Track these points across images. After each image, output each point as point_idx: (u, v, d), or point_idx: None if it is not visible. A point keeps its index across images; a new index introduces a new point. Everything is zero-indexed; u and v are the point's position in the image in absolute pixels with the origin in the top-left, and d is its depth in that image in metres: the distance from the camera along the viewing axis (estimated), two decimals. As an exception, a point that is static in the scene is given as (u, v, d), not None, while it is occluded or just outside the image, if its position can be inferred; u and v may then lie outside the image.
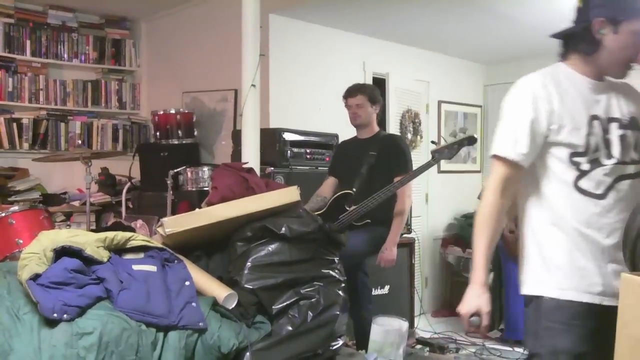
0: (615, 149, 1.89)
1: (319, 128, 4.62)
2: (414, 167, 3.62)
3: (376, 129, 3.80)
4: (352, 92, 3.74)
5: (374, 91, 3.79)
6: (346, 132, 4.13)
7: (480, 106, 6.67)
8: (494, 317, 4.96)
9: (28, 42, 5.14)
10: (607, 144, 1.89)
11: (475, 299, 1.92)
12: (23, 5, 5.11)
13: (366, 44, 5.36)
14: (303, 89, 4.82)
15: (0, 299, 2.10)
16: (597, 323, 1.84)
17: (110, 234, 2.37)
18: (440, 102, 6.22)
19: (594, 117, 1.90)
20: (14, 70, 5.07)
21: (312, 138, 4.52)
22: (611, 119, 1.92)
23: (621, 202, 1.88)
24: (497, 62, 6.48)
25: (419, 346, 4.45)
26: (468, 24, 4.97)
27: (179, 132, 4.61)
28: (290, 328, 2.44)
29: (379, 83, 5.34)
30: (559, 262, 1.90)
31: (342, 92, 3.87)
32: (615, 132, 1.90)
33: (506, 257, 4.43)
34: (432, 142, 3.81)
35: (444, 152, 3.37)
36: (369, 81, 5.27)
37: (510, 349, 4.38)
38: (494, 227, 1.94)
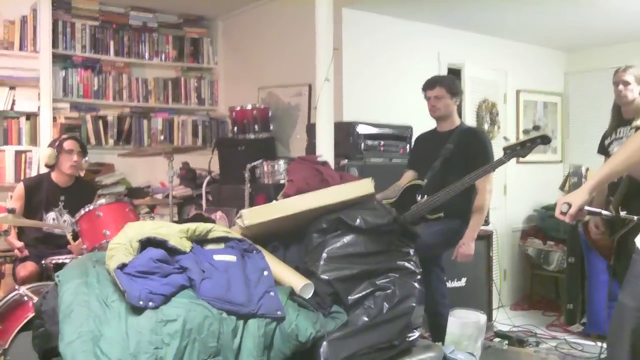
0: None
1: (393, 120, 4.60)
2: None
3: (457, 122, 3.73)
4: (431, 84, 3.69)
5: (454, 83, 3.72)
6: (421, 124, 4.09)
7: (561, 94, 6.44)
8: (576, 311, 4.81)
9: (112, 43, 5.37)
10: None
11: (574, 194, 2.15)
12: (107, 8, 5.35)
13: (440, 35, 5.28)
14: (377, 82, 4.80)
15: (91, 287, 2.22)
16: None
17: (192, 226, 2.46)
18: (518, 92, 6.05)
19: None
20: (98, 70, 5.32)
21: (386, 130, 4.51)
22: None
23: None
24: (579, 48, 6.23)
25: (497, 339, 4.37)
26: (547, 9, 4.80)
27: (256, 126, 4.71)
28: (366, 319, 2.45)
29: (454, 73, 5.25)
30: None
31: (416, 84, 3.83)
32: None
33: (589, 249, 4.27)
34: (505, 138, 3.72)
35: (516, 150, 3.28)
36: (444, 72, 5.20)
37: (592, 343, 4.22)
38: (632, 152, 2.09)
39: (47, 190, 3.92)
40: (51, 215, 3.89)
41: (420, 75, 3.92)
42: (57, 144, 3.91)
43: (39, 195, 3.89)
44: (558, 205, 2.17)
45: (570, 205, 2.13)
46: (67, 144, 3.88)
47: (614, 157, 2.12)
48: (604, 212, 2.26)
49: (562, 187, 5.24)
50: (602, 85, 4.71)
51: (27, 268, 3.55)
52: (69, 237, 3.59)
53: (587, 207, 2.14)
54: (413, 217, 3.46)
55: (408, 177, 3.82)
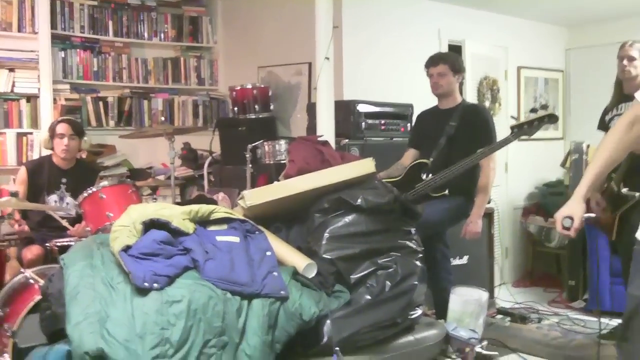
0: None
1: (394, 99, 4.59)
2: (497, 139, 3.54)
3: (459, 99, 3.72)
4: (434, 60, 3.66)
5: (457, 60, 3.70)
6: (421, 102, 4.08)
7: (562, 71, 6.41)
8: (577, 287, 4.84)
9: (110, 23, 5.33)
10: None
11: (570, 206, 2.07)
12: (105, -14, 5.30)
13: (441, 11, 5.25)
14: (377, 59, 4.78)
15: (96, 269, 2.25)
16: None
17: (194, 207, 2.48)
18: (519, 68, 6.02)
19: None
20: (98, 51, 5.29)
21: (387, 109, 4.50)
22: None
23: None
24: (580, 24, 6.19)
25: (499, 316, 4.41)
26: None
27: (256, 106, 4.70)
28: (368, 297, 2.49)
29: (455, 50, 5.22)
30: None
31: (416, 62, 3.82)
32: None
33: (591, 227, 4.29)
34: (512, 117, 3.72)
35: (523, 128, 3.28)
36: (444, 49, 5.17)
37: (594, 319, 4.26)
38: (609, 151, 2.05)
39: (49, 172, 3.92)
40: (53, 197, 3.90)
41: (421, 53, 3.90)
42: (51, 127, 3.91)
43: (40, 177, 3.90)
44: (558, 221, 2.08)
45: (572, 219, 2.05)
46: (59, 128, 3.86)
47: (597, 158, 2.06)
48: (592, 214, 2.22)
49: (563, 164, 5.25)
50: (603, 61, 4.68)
51: (32, 251, 3.57)
52: (65, 223, 3.60)
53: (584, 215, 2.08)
54: (418, 195, 3.47)
55: (410, 155, 3.82)
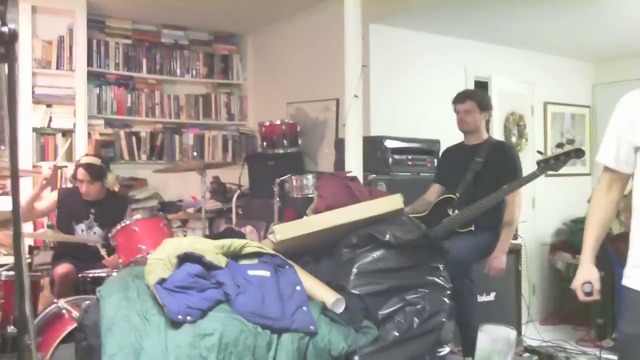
0: None
1: (421, 135, 4.64)
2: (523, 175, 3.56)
3: (485, 135, 3.76)
4: (460, 97, 3.72)
5: (484, 97, 3.75)
6: (448, 137, 4.12)
7: (589, 106, 6.41)
8: (606, 326, 4.76)
9: (144, 61, 5.51)
10: None
11: (584, 272, 2.18)
12: (139, 26, 5.49)
13: (467, 48, 5.32)
14: (404, 96, 4.85)
15: (131, 301, 2.30)
16: None
17: (227, 242, 2.53)
18: (546, 104, 6.03)
19: None
20: (132, 87, 5.46)
21: (414, 144, 4.54)
22: None
23: None
24: (607, 60, 6.21)
25: (526, 354, 4.35)
26: (574, 21, 4.81)
27: (284, 141, 4.79)
28: (396, 333, 2.49)
29: (482, 86, 5.28)
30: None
31: (442, 98, 3.87)
32: None
33: (618, 263, 4.24)
34: (539, 152, 3.72)
35: (550, 163, 3.30)
36: (471, 85, 5.22)
37: (624, 359, 4.18)
38: (599, 216, 2.19)
39: (79, 201, 4.02)
40: (80, 226, 3.99)
41: (447, 89, 3.96)
42: (74, 167, 4.03)
43: (70, 205, 4.00)
44: (579, 289, 2.18)
45: (591, 283, 2.16)
46: (78, 174, 3.97)
47: (590, 223, 2.20)
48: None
49: (590, 200, 5.19)
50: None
51: (64, 267, 3.66)
52: (103, 252, 3.68)
53: None
54: (445, 231, 3.49)
55: (435, 190, 3.85)
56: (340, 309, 2.48)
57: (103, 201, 4.08)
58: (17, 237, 1.86)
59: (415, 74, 4.96)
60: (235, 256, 2.56)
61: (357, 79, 3.83)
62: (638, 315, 2.00)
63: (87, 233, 3.99)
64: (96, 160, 4.02)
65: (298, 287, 2.46)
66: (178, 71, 5.68)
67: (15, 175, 1.85)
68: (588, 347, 4.61)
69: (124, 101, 5.39)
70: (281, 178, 4.23)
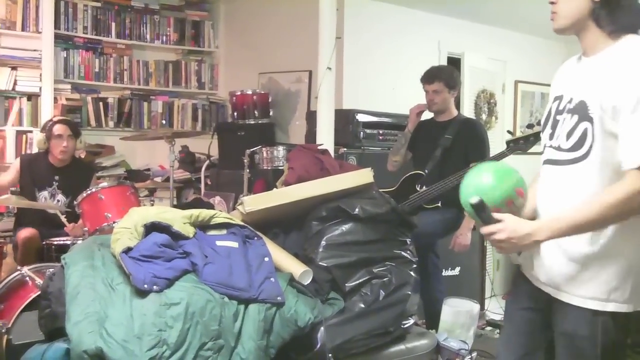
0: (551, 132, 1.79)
1: (393, 109, 4.64)
2: (491, 153, 3.60)
3: (454, 112, 3.78)
4: (429, 78, 3.71)
5: (452, 76, 3.74)
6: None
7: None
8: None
9: (113, 25, 5.37)
10: (553, 125, 1.78)
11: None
12: (109, -12, 5.35)
13: (441, 24, 5.31)
14: (377, 70, 4.84)
15: (96, 270, 2.28)
16: None
17: (195, 212, 2.51)
18: (517, 82, 6.09)
19: (556, 97, 1.82)
20: (100, 52, 5.33)
21: (385, 119, 4.55)
22: (558, 98, 1.80)
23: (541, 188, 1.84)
24: (578, 40, 6.26)
25: (489, 328, 4.45)
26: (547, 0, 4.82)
27: (255, 112, 4.75)
28: (362, 305, 2.53)
29: (454, 63, 5.29)
30: None
31: (416, 73, 3.87)
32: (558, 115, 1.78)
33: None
34: (509, 131, 3.76)
35: (519, 144, 3.34)
36: (444, 61, 5.23)
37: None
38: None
39: (42, 168, 3.93)
40: (44, 194, 3.91)
41: (421, 64, 3.95)
42: (47, 127, 3.91)
43: (33, 172, 3.91)
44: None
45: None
46: (57, 129, 3.86)
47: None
48: None
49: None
50: None
51: (28, 231, 3.60)
52: (63, 219, 3.61)
53: None
54: (412, 206, 3.52)
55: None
56: (307, 280, 2.49)
57: (68, 168, 3.99)
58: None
59: (389, 48, 4.94)
60: (203, 226, 2.55)
61: (331, 51, 3.80)
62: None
63: (50, 201, 3.91)
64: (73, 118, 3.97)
65: (266, 259, 2.47)
66: (148, 36, 5.55)
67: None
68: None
69: (92, 66, 5.26)
70: (251, 149, 4.21)
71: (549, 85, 2.04)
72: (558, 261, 1.71)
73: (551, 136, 1.78)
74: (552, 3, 1.73)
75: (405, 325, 2.61)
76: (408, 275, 2.68)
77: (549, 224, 1.63)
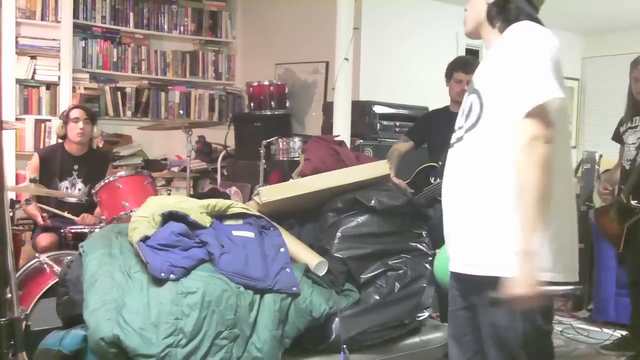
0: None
1: (409, 101, 4.62)
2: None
3: None
4: (468, 67, 3.46)
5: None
6: (436, 104, 4.10)
7: (578, 79, 6.41)
8: (582, 297, 4.85)
9: (131, 15, 5.39)
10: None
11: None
12: (127, -22, 5.36)
13: (459, 15, 5.23)
14: (394, 61, 4.81)
15: (114, 258, 2.30)
16: None
17: (212, 201, 2.53)
18: (535, 75, 6.02)
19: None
20: (118, 42, 5.35)
21: (402, 111, 4.53)
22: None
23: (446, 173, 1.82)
24: (598, 32, 6.18)
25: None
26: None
27: (272, 103, 4.75)
28: (377, 297, 2.53)
29: (472, 54, 5.24)
30: None
31: (434, 64, 3.83)
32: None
33: (598, 236, 4.31)
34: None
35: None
36: (462, 52, 5.19)
37: (598, 329, 4.28)
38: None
39: (61, 159, 3.96)
40: (64, 184, 3.94)
41: (438, 56, 3.93)
42: (64, 114, 3.96)
43: (53, 164, 3.94)
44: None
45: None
46: (73, 112, 3.89)
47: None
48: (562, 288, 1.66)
49: (574, 174, 5.25)
50: (620, 71, 4.69)
51: (47, 239, 3.63)
52: (68, 215, 3.63)
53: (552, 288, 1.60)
54: (427, 198, 3.50)
55: (406, 146, 3.75)
56: (322, 271, 2.50)
57: (86, 156, 4.02)
58: (0, 190, 1.84)
59: (407, 39, 4.91)
60: (220, 216, 2.56)
61: (349, 41, 3.79)
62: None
63: (70, 190, 3.95)
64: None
65: (282, 249, 2.48)
66: (165, 27, 5.56)
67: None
68: (564, 317, 4.70)
69: (110, 55, 5.28)
70: (268, 140, 4.21)
71: (567, 78, 2.04)
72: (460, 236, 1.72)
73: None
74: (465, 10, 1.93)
75: (420, 318, 2.61)
76: (423, 268, 2.67)
77: (520, 242, 1.54)
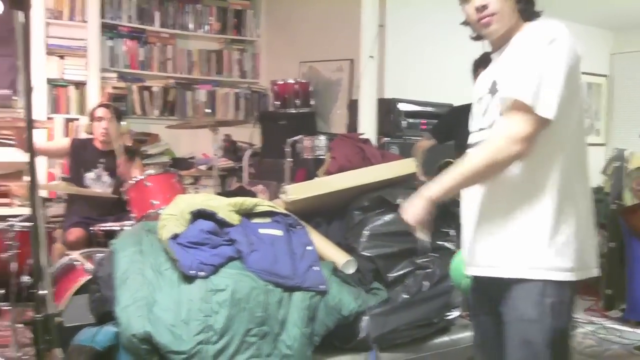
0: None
1: (435, 99, 4.59)
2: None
3: None
4: None
5: None
6: (462, 102, 4.08)
7: (606, 76, 6.31)
8: (615, 297, 4.79)
9: (157, 14, 5.44)
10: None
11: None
12: (153, -23, 5.40)
13: (486, 11, 5.21)
14: (420, 59, 4.78)
15: (144, 255, 2.33)
16: None
17: (240, 200, 2.55)
18: (562, 71, 5.95)
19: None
20: (144, 41, 5.40)
21: (427, 108, 4.51)
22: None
23: None
24: (627, 28, 6.08)
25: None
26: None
27: (297, 101, 4.76)
28: (405, 296, 2.53)
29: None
30: None
31: (460, 61, 3.80)
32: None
33: (630, 235, 4.25)
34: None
35: None
36: (488, 49, 5.14)
37: (630, 329, 4.22)
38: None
39: (89, 152, 4.04)
40: (90, 175, 4.00)
41: (464, 53, 3.88)
42: (90, 112, 4.03)
43: (81, 154, 4.02)
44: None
45: None
46: (98, 111, 3.97)
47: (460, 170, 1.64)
48: None
49: (604, 171, 5.18)
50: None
51: (75, 233, 3.69)
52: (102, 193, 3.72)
53: None
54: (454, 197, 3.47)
55: (427, 143, 3.74)
56: (351, 270, 2.50)
57: (113, 152, 4.08)
58: (33, 188, 1.87)
59: (433, 36, 4.87)
60: (247, 214, 2.58)
61: (374, 39, 3.78)
62: None
63: (96, 181, 4.01)
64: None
65: (309, 247, 2.49)
66: (191, 26, 5.61)
67: (30, 127, 1.86)
68: (596, 317, 4.63)
69: (137, 55, 5.34)
70: (293, 138, 4.22)
71: (595, 74, 2.02)
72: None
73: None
74: (484, 7, 1.70)
75: (449, 317, 2.60)
76: (452, 267, 2.66)
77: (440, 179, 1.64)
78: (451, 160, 3.58)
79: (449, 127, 3.76)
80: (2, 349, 2.84)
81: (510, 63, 1.65)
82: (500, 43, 1.75)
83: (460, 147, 3.63)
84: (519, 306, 1.62)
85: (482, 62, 3.63)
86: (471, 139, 1.77)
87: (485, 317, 1.79)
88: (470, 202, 1.73)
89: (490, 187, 1.65)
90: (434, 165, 3.75)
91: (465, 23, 1.83)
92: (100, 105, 4.05)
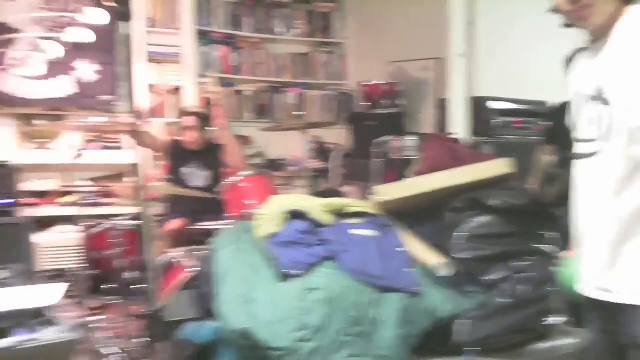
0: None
1: (529, 96, 4.45)
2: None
3: None
4: None
5: None
6: (556, 99, 3.94)
7: None
8: None
9: (246, 20, 5.59)
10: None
11: None
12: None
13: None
14: (512, 55, 4.65)
15: (243, 253, 2.41)
16: None
17: (332, 200, 2.59)
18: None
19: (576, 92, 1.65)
20: (235, 46, 5.57)
21: (520, 106, 4.38)
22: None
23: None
24: None
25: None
26: None
27: (385, 101, 4.77)
28: (501, 301, 2.45)
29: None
30: None
31: (554, 57, 3.67)
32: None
33: None
34: None
35: None
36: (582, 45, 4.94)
37: None
38: None
39: (184, 149, 4.24)
40: (187, 170, 4.20)
41: (559, 48, 3.76)
42: (180, 117, 4.23)
43: (177, 151, 4.25)
44: None
45: None
46: (183, 120, 4.19)
47: None
48: None
49: None
50: None
51: (174, 224, 3.88)
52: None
53: None
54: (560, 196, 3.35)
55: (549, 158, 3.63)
56: (445, 272, 2.47)
57: (205, 150, 4.25)
58: (140, 189, 2.00)
59: (525, 32, 4.72)
60: (339, 215, 2.60)
61: (463, 36, 3.72)
62: None
63: (194, 175, 4.20)
64: (201, 109, 4.30)
65: (401, 248, 2.48)
66: (279, 30, 5.72)
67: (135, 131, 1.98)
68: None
69: (229, 60, 5.51)
70: (382, 139, 4.23)
71: None
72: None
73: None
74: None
75: (548, 323, 2.52)
76: (549, 272, 2.57)
77: None
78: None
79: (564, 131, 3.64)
80: (116, 340, 3.02)
81: (619, 65, 1.48)
82: (600, 32, 1.54)
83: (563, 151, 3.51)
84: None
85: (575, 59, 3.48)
86: (580, 149, 1.65)
87: (598, 335, 1.72)
88: (592, 218, 1.59)
89: (616, 203, 1.51)
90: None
91: (555, 11, 1.63)
92: (186, 114, 4.25)
